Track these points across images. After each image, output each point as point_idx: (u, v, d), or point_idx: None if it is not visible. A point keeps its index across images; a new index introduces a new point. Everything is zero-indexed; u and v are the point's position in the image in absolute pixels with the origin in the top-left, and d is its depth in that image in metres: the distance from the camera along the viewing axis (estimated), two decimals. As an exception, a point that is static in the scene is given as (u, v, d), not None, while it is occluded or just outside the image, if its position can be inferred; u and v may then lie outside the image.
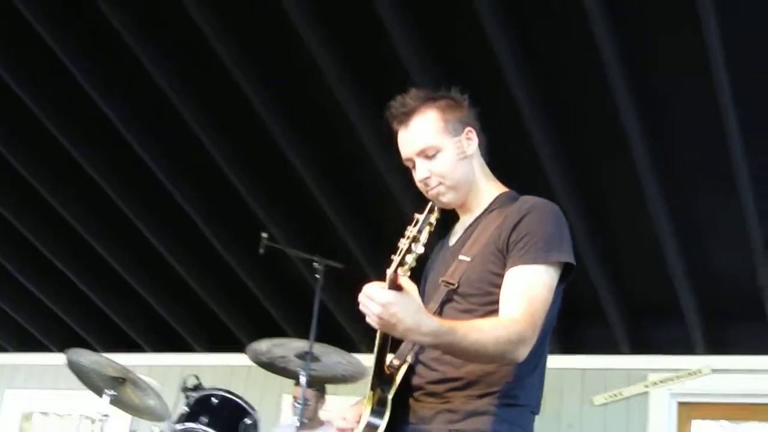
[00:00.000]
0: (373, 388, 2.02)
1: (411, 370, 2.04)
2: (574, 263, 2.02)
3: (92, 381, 4.73)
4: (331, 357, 4.33)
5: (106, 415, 4.47)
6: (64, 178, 5.26)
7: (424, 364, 2.03)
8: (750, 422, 5.46)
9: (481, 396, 1.97)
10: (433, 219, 1.81)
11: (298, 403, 4.36)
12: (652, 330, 5.27)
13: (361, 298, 1.80)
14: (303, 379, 4.18)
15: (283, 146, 4.59)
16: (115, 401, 4.57)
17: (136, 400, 4.69)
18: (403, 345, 2.11)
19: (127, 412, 5.05)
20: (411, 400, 2.02)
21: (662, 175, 4.25)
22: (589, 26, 3.57)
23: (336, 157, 4.76)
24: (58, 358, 6.53)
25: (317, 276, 4.41)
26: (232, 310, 6.07)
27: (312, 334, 4.20)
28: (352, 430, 2.08)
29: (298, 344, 4.30)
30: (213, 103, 4.57)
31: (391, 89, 2.19)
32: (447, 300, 2.05)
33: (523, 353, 1.88)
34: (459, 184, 2.14)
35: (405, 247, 1.79)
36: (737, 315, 5.07)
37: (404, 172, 2.26)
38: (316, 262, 4.44)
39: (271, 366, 4.56)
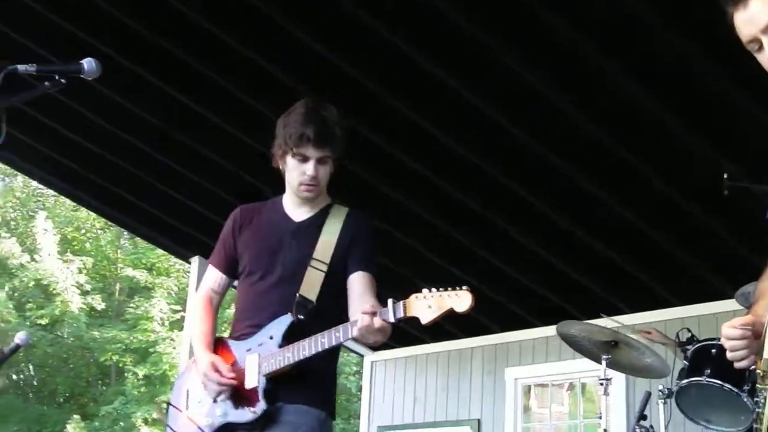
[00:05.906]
0: None
1: None
2: None
3: (585, 348, 4.99)
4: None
5: (607, 379, 4.68)
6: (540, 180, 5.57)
7: None
8: None
9: None
10: None
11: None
12: None
13: None
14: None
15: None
16: (611, 364, 4.77)
17: (632, 360, 4.84)
18: None
19: (623, 372, 5.24)
20: None
21: None
22: None
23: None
24: (543, 332, 6.99)
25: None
26: (703, 261, 5.99)
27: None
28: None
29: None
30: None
31: None
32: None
33: None
34: None
35: None
36: None
37: None
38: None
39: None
